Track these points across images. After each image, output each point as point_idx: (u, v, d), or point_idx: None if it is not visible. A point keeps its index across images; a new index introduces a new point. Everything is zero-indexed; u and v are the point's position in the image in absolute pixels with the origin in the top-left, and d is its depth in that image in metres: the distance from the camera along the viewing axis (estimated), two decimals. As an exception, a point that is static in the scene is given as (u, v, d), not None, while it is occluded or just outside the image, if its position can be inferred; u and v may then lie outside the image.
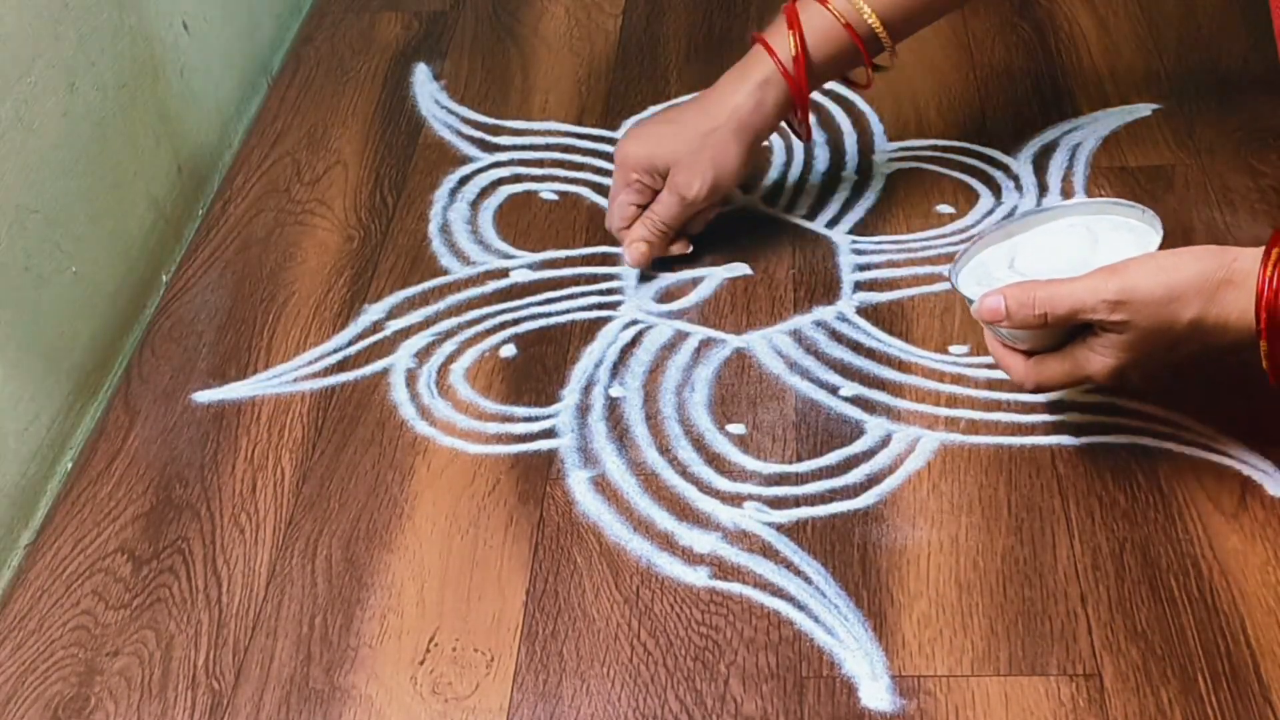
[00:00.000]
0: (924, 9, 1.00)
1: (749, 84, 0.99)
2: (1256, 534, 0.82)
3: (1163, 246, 0.81)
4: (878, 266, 1.03)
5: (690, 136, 0.99)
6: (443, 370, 0.98)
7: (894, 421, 0.91)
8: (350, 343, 1.01)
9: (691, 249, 1.04)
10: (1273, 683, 0.74)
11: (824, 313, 1.00)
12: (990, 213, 1.07)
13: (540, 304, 1.02)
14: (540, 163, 1.17)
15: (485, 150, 1.19)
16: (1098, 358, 0.79)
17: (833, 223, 1.08)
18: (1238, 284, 0.75)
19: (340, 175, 1.17)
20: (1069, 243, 0.86)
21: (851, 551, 0.83)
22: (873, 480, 0.87)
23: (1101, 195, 1.05)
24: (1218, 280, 0.76)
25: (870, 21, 0.97)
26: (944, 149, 1.14)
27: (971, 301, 0.83)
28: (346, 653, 0.80)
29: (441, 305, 1.03)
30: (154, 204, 1.13)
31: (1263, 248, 0.75)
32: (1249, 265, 0.75)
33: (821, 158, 1.14)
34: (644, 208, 1.02)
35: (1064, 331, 0.80)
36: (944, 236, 1.05)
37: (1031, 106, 1.18)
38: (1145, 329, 0.77)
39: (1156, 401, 0.90)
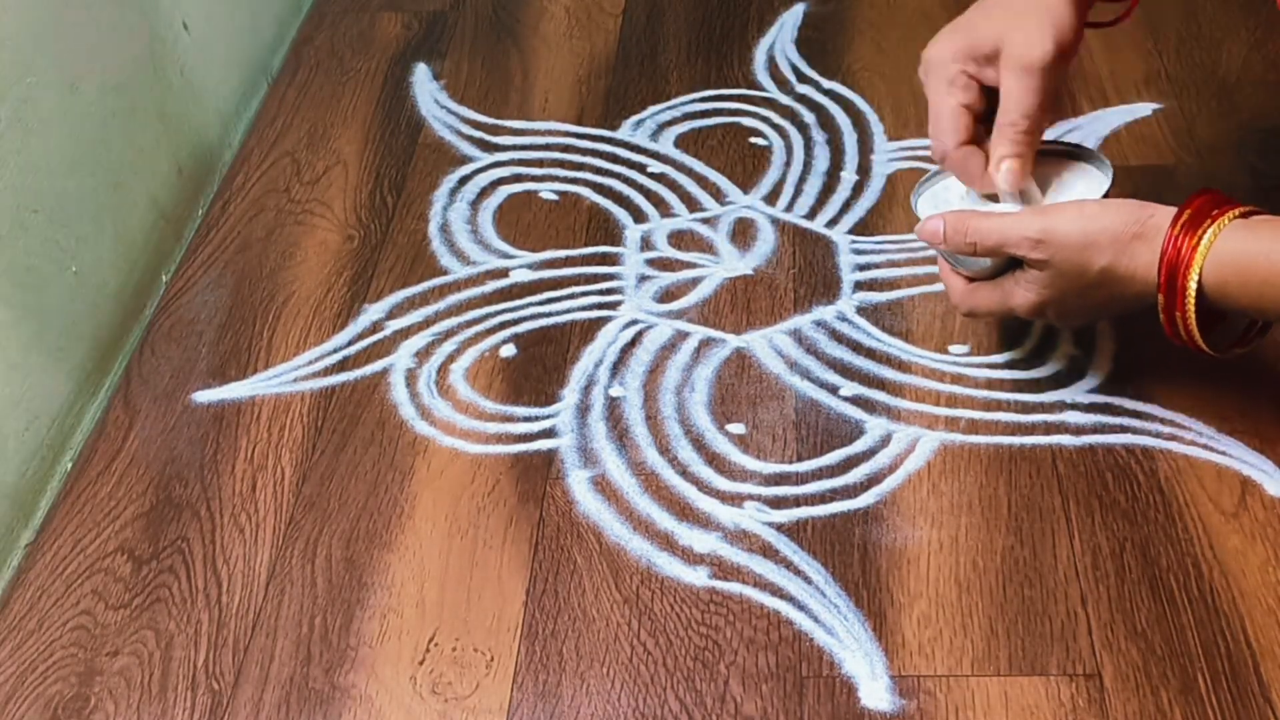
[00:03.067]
0: None
1: None
2: (1256, 534, 0.82)
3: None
4: (878, 266, 1.03)
5: (1011, 6, 0.87)
6: (443, 370, 0.98)
7: (894, 421, 0.91)
8: (350, 342, 1.01)
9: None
10: (1273, 683, 0.74)
11: (824, 312, 1.00)
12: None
13: (540, 304, 1.02)
14: (540, 162, 1.17)
15: (485, 150, 1.19)
16: (1021, 291, 0.84)
17: (833, 223, 1.08)
18: (1148, 239, 0.79)
19: (340, 175, 1.17)
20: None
21: (851, 551, 0.83)
22: (873, 480, 0.87)
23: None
24: (1131, 233, 0.80)
25: None
26: (944, 149, 1.14)
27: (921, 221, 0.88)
28: (346, 653, 0.80)
29: (441, 305, 1.03)
30: (154, 204, 1.13)
31: (1176, 208, 0.79)
32: (1161, 222, 0.79)
33: (821, 158, 1.14)
34: (973, 111, 0.88)
35: (1003, 264, 0.85)
36: (944, 236, 1.05)
37: (1031, 106, 1.18)
38: (1061, 269, 0.82)
39: (1156, 401, 0.90)
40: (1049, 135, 1.09)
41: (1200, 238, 0.77)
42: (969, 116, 0.88)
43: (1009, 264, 0.85)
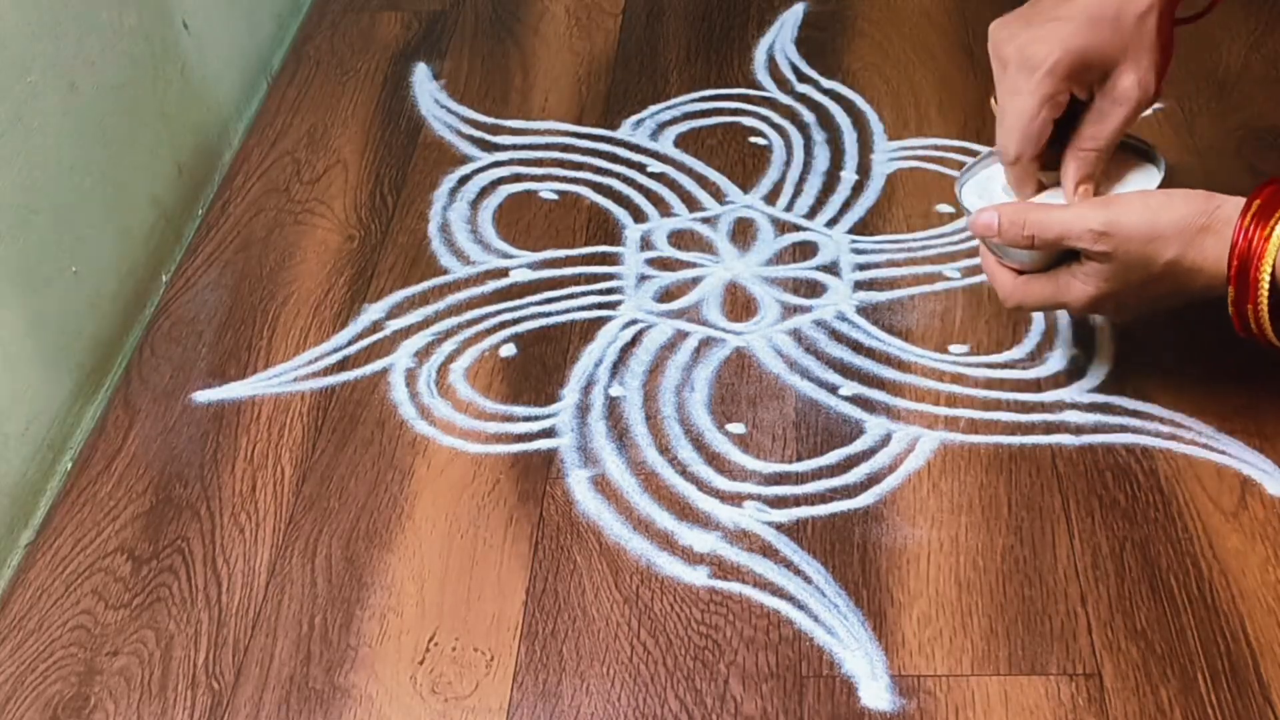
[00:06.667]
0: None
1: None
2: (1256, 533, 0.82)
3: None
4: (878, 266, 1.03)
5: (1122, 25, 0.83)
6: (442, 370, 0.98)
7: (894, 421, 0.91)
8: (350, 342, 1.01)
9: None
10: (1273, 682, 0.74)
11: (824, 312, 1.00)
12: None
13: (540, 304, 1.02)
14: (540, 162, 1.17)
15: (485, 150, 1.19)
16: (1079, 284, 0.82)
17: (833, 223, 1.08)
18: (1216, 231, 0.77)
19: (340, 175, 1.17)
20: None
21: (851, 551, 0.83)
22: (872, 480, 0.87)
23: None
24: (1198, 225, 0.78)
25: None
26: (944, 149, 1.14)
27: (969, 213, 0.85)
28: (346, 652, 0.80)
29: (441, 305, 1.03)
30: (154, 203, 1.13)
31: (1244, 198, 0.77)
32: (1229, 213, 0.77)
33: (821, 158, 1.14)
34: (1053, 124, 0.85)
35: (1053, 256, 0.82)
36: (944, 236, 1.05)
37: (1031, 106, 1.17)
38: (1125, 262, 0.79)
39: (1156, 401, 0.90)
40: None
41: (1272, 229, 0.75)
42: (1050, 131, 0.85)
43: (1061, 256, 0.82)
